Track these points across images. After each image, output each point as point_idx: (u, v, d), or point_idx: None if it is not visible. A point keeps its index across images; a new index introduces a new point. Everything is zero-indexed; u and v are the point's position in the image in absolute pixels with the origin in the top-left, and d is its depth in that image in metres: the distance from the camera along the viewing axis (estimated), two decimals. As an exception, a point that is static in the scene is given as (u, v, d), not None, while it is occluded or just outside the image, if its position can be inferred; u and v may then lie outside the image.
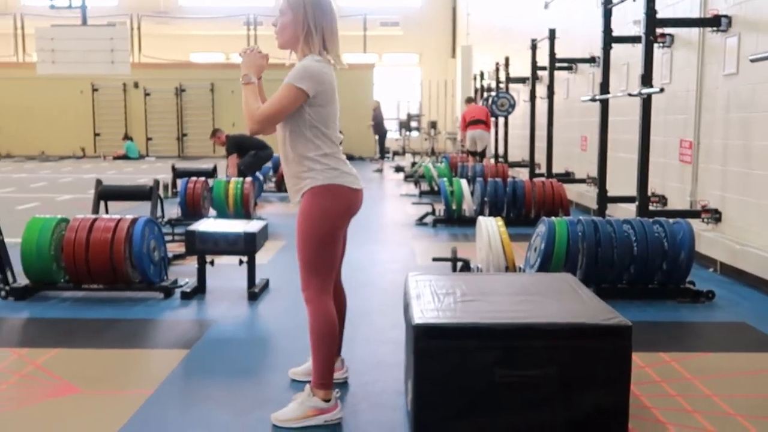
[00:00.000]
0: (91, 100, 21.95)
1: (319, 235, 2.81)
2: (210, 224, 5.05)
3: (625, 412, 2.63)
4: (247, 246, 4.79)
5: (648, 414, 2.93)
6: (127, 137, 21.47)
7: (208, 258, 4.95)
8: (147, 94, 21.94)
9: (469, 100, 14.91)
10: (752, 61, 4.02)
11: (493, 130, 14.33)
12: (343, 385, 3.21)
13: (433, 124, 21.34)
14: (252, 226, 4.98)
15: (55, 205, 10.04)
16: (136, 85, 21.71)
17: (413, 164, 14.58)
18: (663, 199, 6.92)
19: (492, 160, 13.53)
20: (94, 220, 4.75)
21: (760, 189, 5.30)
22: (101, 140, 22.04)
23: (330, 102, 2.82)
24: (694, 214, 5.97)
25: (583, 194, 9.43)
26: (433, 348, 2.60)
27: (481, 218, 5.02)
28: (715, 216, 5.93)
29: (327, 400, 2.83)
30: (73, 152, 21.57)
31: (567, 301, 2.95)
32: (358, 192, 2.89)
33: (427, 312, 2.74)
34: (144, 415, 2.94)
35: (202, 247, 4.82)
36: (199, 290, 4.92)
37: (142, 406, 3.01)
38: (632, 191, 7.19)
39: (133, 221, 4.77)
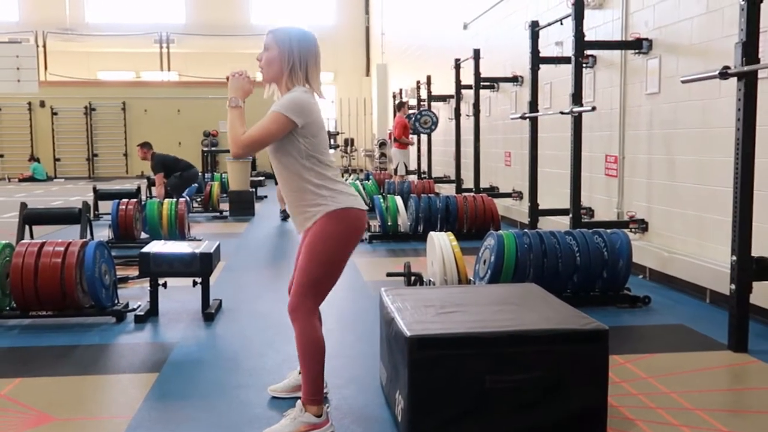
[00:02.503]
0: (-8, 120, 21.06)
1: (335, 258, 2.91)
2: (161, 246, 5.00)
3: (605, 410, 2.82)
4: (203, 267, 4.77)
5: (617, 412, 3.12)
6: (33, 158, 20.66)
7: (161, 280, 4.90)
8: (54, 114, 21.22)
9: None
10: (683, 82, 4.34)
11: (415, 146, 14.64)
12: (324, 400, 3.25)
13: (351, 141, 21.54)
14: (206, 246, 4.96)
15: (-31, 231, 9.57)
16: (42, 104, 20.98)
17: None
18: (590, 211, 7.27)
19: (412, 177, 13.75)
20: (42, 244, 4.62)
21: (684, 200, 5.69)
22: (5, 162, 21.15)
23: (320, 130, 2.90)
24: (623, 224, 6.31)
25: (510, 208, 9.76)
26: (427, 358, 2.71)
27: (432, 233, 5.18)
28: (642, 226, 6.30)
29: (318, 416, 2.89)
30: (-26, 174, 20.61)
31: (541, 309, 3.12)
32: (365, 212, 2.99)
33: (415, 324, 2.85)
34: (130, 440, 2.91)
35: (157, 270, 4.77)
36: (152, 313, 4.85)
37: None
38: (557, 204, 7.56)
39: (84, 245, 4.67)
